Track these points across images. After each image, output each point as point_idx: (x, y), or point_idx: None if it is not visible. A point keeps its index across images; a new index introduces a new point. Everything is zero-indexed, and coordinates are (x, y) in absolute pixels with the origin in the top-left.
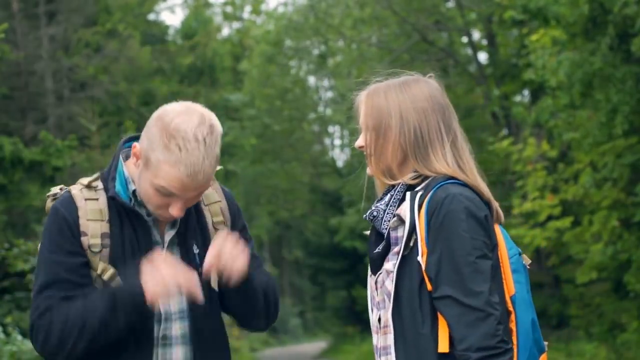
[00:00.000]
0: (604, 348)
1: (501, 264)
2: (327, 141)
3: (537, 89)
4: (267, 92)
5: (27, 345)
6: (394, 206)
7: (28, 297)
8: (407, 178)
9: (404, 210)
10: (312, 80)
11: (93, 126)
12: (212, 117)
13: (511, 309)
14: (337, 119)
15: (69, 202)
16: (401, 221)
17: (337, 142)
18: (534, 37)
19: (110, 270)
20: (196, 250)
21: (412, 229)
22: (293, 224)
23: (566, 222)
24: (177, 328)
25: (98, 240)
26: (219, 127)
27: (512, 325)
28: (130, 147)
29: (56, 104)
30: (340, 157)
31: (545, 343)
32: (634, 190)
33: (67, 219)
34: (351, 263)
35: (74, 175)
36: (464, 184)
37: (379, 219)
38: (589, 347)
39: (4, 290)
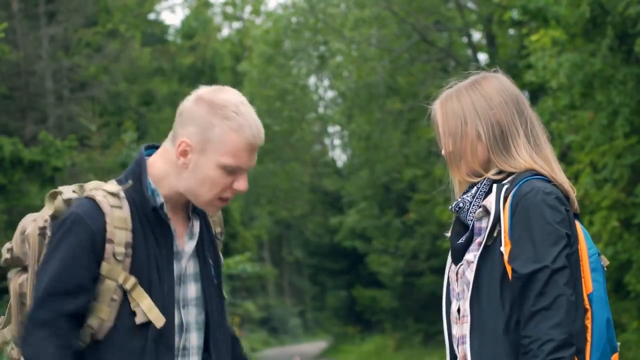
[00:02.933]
0: None
1: (580, 262)
2: (327, 141)
3: (537, 89)
4: (266, 93)
5: None
6: (480, 198)
7: None
8: (491, 174)
9: (490, 201)
10: (312, 80)
11: (93, 126)
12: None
13: (588, 306)
14: (337, 119)
15: (95, 210)
16: (486, 212)
17: (337, 142)
18: (534, 38)
19: (132, 280)
20: (210, 262)
21: (497, 220)
22: (293, 224)
23: None
24: (195, 338)
25: (122, 249)
26: None
27: (588, 322)
28: (150, 154)
29: (56, 104)
30: (340, 157)
31: (618, 344)
32: (634, 191)
33: (91, 230)
34: (351, 263)
35: (74, 176)
36: (547, 179)
37: (464, 210)
38: None
39: (4, 290)
